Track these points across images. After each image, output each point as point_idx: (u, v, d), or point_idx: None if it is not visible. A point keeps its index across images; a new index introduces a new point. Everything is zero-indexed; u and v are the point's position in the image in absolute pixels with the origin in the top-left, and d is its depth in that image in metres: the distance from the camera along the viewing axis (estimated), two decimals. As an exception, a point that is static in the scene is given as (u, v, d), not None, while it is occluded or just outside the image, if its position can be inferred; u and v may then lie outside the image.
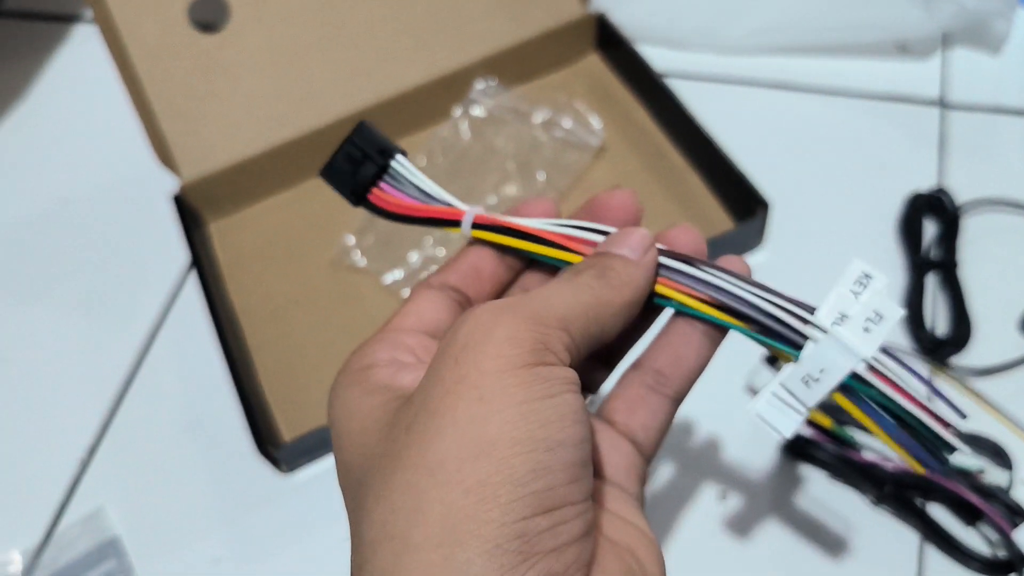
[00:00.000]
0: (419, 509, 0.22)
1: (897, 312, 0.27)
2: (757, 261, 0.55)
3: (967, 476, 0.46)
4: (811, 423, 0.47)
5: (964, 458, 0.46)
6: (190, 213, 0.59)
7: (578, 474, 0.24)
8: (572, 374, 0.25)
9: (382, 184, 0.31)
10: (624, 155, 0.60)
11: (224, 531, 0.50)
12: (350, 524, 0.26)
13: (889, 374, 0.27)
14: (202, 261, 0.56)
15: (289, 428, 0.52)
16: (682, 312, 0.30)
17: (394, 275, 0.56)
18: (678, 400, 0.31)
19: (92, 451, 0.54)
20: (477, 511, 0.22)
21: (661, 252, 0.29)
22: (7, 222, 0.65)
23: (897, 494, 0.45)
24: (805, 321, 0.28)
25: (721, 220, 0.56)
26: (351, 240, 0.58)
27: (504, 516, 0.22)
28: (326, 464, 0.51)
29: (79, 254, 0.62)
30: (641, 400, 0.30)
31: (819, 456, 0.47)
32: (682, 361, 0.30)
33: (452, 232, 0.31)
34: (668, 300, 0.29)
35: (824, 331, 0.28)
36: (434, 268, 0.55)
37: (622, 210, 0.31)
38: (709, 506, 0.47)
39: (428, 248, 0.57)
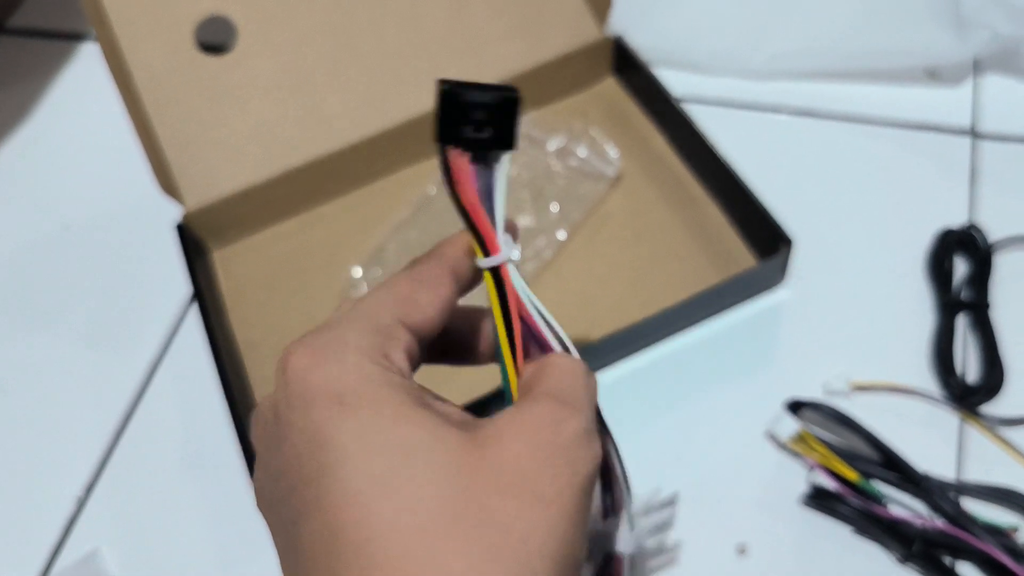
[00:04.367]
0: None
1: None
2: (779, 299, 0.53)
3: (1000, 534, 0.43)
4: (835, 475, 0.45)
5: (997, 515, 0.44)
6: (193, 243, 0.57)
7: None
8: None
9: (472, 157, 0.29)
10: (641, 185, 0.58)
11: (223, 575, 0.48)
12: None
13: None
14: (204, 293, 0.54)
15: (291, 470, 0.50)
16: None
17: (401, 310, 0.54)
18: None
19: (89, 489, 0.52)
20: None
21: None
22: (6, 246, 0.64)
23: (925, 552, 0.43)
24: None
25: (743, 256, 0.54)
26: (358, 272, 0.56)
27: None
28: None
29: (79, 282, 0.61)
30: None
31: (842, 511, 0.45)
32: None
33: (476, 254, 0.30)
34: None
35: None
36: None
37: None
38: (727, 561, 0.45)
39: (437, 283, 0.55)
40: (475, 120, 0.28)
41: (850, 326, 0.52)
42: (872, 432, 0.46)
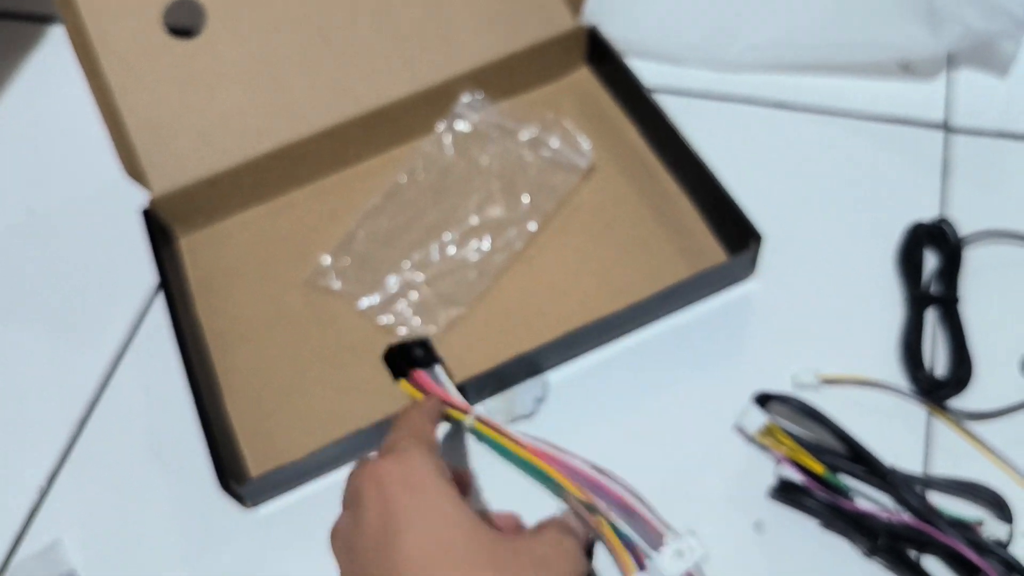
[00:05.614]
0: None
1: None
2: (749, 291, 0.53)
3: (965, 529, 0.43)
4: (802, 469, 0.45)
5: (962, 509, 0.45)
6: (160, 228, 0.57)
7: None
8: None
9: (422, 372, 0.46)
10: (613, 177, 0.58)
11: (186, 567, 0.48)
12: None
13: None
14: (170, 281, 0.54)
15: (255, 460, 0.50)
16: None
17: (370, 300, 0.54)
18: None
19: (52, 479, 0.51)
20: None
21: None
22: (-30, 231, 0.63)
23: (891, 546, 0.43)
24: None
25: (713, 250, 0.54)
26: (327, 260, 0.56)
27: None
28: (292, 498, 0.49)
29: (43, 269, 0.60)
30: None
31: (809, 504, 0.45)
32: None
33: (457, 417, 0.46)
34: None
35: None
36: (413, 294, 0.53)
37: None
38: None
39: (406, 272, 0.54)
40: (413, 354, 0.47)
41: (819, 319, 0.52)
42: (839, 425, 0.46)
